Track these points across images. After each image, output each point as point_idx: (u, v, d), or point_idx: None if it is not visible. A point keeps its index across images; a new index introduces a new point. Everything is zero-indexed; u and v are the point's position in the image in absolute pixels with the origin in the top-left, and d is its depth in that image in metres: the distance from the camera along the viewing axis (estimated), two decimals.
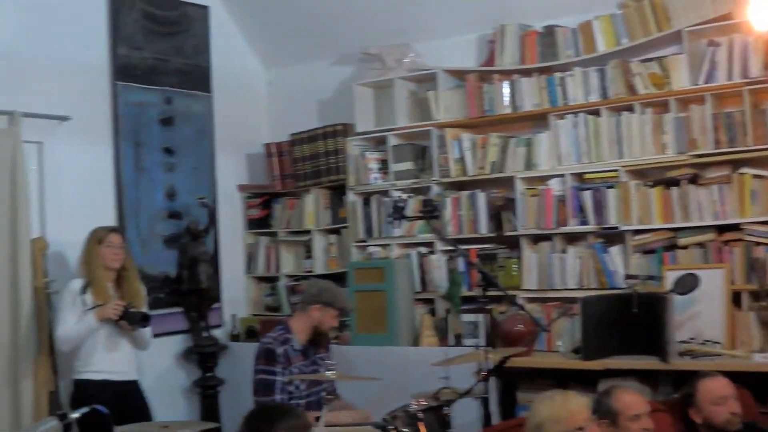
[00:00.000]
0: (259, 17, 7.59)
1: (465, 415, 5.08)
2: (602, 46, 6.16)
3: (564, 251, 6.17)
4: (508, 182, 6.40)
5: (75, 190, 6.34)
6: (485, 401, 4.98)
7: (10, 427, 5.75)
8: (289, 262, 7.54)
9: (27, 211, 5.94)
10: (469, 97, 6.60)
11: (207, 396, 7.05)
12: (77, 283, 5.74)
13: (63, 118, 6.26)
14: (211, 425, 5.54)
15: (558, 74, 6.29)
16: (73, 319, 5.66)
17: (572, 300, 6.00)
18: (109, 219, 6.49)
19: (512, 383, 6.00)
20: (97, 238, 5.79)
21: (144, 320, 5.72)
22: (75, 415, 3.54)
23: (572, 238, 6.21)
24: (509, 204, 6.40)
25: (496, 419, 5.36)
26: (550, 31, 6.36)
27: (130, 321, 5.67)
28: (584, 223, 6.10)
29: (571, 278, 6.11)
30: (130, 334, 5.79)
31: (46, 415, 5.75)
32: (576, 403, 3.70)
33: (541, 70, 6.37)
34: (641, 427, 4.08)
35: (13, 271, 5.86)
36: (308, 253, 7.37)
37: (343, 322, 6.66)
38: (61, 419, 3.50)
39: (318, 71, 7.57)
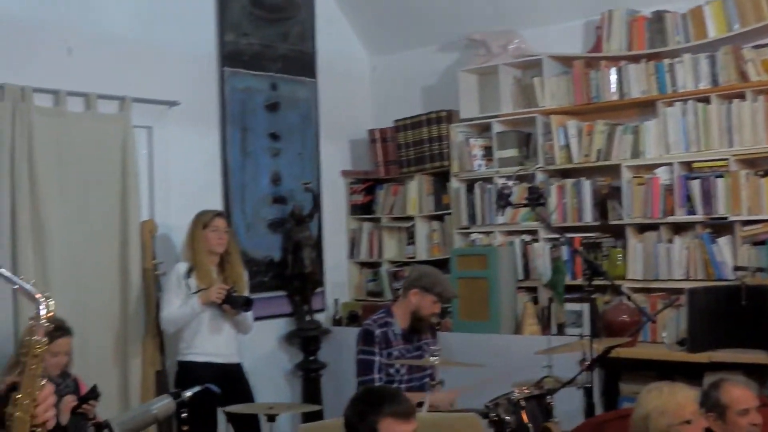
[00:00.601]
0: (364, 3, 7.62)
1: (567, 404, 5.03)
2: (713, 32, 6.03)
3: (670, 241, 6.07)
4: (614, 170, 6.31)
5: (183, 174, 6.46)
6: (588, 391, 4.93)
7: (119, 405, 5.89)
8: (391, 248, 7.56)
9: (137, 194, 6.08)
10: (575, 84, 6.52)
11: (309, 379, 7.12)
12: (182, 267, 5.85)
13: (172, 103, 6.38)
14: (313, 408, 5.62)
15: (667, 61, 6.17)
16: (178, 302, 5.78)
17: (678, 291, 5.90)
18: (216, 203, 6.59)
19: (615, 374, 5.93)
20: (202, 222, 5.89)
21: (246, 304, 5.80)
22: (188, 393, 3.62)
23: (679, 228, 6.10)
24: (615, 192, 6.31)
25: (599, 410, 5.31)
26: (659, 17, 6.25)
27: (233, 305, 5.76)
28: (692, 212, 5.99)
29: (678, 269, 6.01)
30: (232, 318, 5.88)
31: (153, 394, 5.88)
32: (684, 396, 3.64)
33: (650, 57, 6.26)
34: (749, 421, 3.99)
35: (123, 253, 6.01)
36: (411, 240, 7.39)
37: (446, 309, 6.67)
38: (175, 397, 3.58)
39: (422, 57, 7.56)
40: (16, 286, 2.35)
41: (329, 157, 7.57)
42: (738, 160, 5.85)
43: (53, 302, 2.36)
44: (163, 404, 3.57)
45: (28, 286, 2.33)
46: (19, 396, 2.34)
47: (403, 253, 7.44)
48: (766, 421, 4.15)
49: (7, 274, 2.37)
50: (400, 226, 7.49)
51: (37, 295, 2.33)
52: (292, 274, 7.04)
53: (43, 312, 2.34)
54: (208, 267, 5.87)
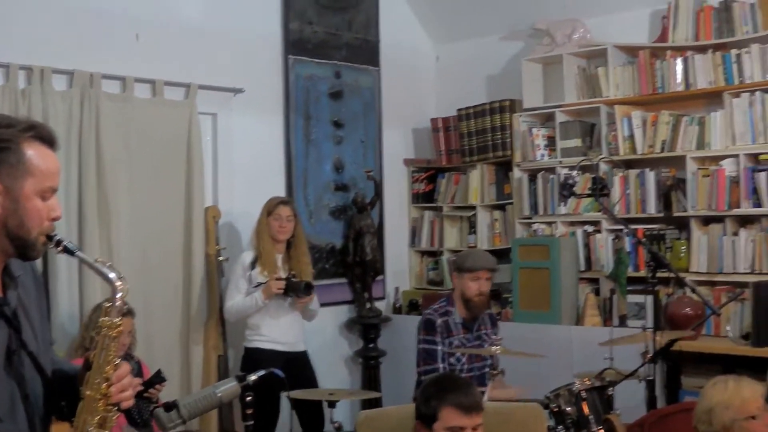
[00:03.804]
0: None
1: (629, 397, 5.02)
2: None
3: (735, 234, 6.00)
4: (679, 162, 6.26)
5: (246, 161, 6.52)
6: (650, 384, 4.91)
7: (181, 388, 5.96)
8: (452, 237, 7.56)
9: (201, 180, 6.15)
10: (640, 74, 6.47)
11: (368, 366, 7.15)
12: (248, 257, 5.92)
13: (237, 91, 6.43)
14: (373, 395, 5.65)
15: (734, 51, 6.09)
16: (241, 294, 5.84)
17: (743, 285, 5.84)
18: (279, 190, 6.64)
19: (677, 367, 5.89)
20: (267, 209, 5.94)
21: (307, 289, 5.84)
22: (253, 377, 3.65)
23: (745, 221, 6.03)
24: (679, 184, 6.26)
25: (661, 403, 5.28)
26: (726, 6, 6.17)
27: (294, 292, 5.80)
28: (758, 205, 5.91)
29: (743, 262, 5.94)
30: (300, 309, 5.93)
31: (215, 378, 5.95)
32: (750, 391, 3.59)
33: (717, 47, 6.19)
34: None
35: (187, 239, 6.08)
36: (472, 229, 7.38)
37: (506, 299, 6.66)
38: (240, 381, 3.62)
39: (486, 46, 7.54)
40: (93, 269, 2.38)
41: (391, 146, 7.59)
42: None
43: (127, 286, 2.40)
44: (228, 387, 3.60)
45: (105, 269, 2.37)
46: (92, 375, 2.38)
47: (465, 242, 7.44)
48: None
49: (85, 257, 2.41)
50: (461, 215, 7.49)
51: (115, 281, 2.37)
52: (353, 261, 7.09)
53: (119, 294, 2.37)
54: (273, 255, 5.92)
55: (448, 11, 7.65)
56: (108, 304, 2.40)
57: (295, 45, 6.87)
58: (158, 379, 4.95)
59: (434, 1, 7.66)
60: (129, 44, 5.94)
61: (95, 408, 2.37)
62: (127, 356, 5.09)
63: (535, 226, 6.90)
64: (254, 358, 5.81)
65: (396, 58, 7.57)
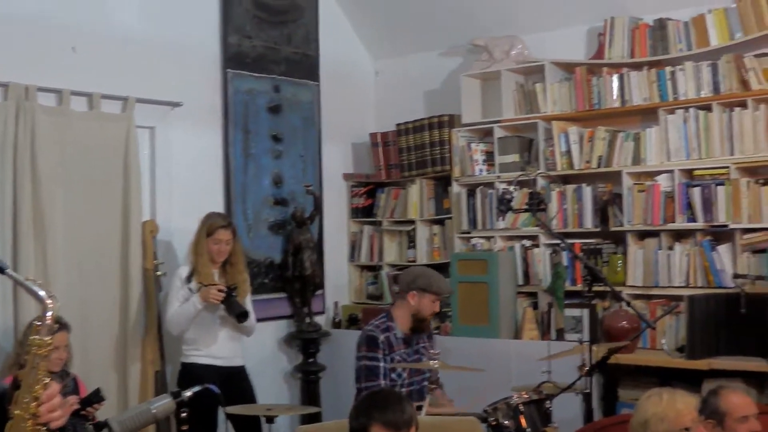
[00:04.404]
0: (368, 7, 7.63)
1: (566, 410, 5.05)
2: (715, 40, 6.06)
3: (671, 248, 6.09)
4: (615, 177, 6.34)
5: (184, 175, 6.46)
6: (587, 397, 4.95)
7: (118, 404, 5.90)
8: (392, 251, 7.58)
9: (138, 195, 6.09)
10: (577, 90, 6.54)
11: (308, 381, 7.13)
12: (184, 271, 5.88)
13: (175, 104, 6.39)
14: (312, 410, 5.63)
15: (669, 68, 6.19)
16: (178, 304, 5.79)
17: (677, 298, 5.91)
18: (217, 204, 6.60)
19: (614, 380, 5.95)
20: (207, 230, 5.88)
21: (241, 316, 5.79)
22: (188, 393, 3.62)
23: (680, 235, 6.12)
24: (616, 199, 6.33)
25: (597, 415, 5.33)
26: (661, 25, 6.27)
27: (229, 309, 5.75)
28: (692, 220, 6.01)
29: (678, 276, 6.03)
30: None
31: (152, 393, 5.89)
32: (684, 403, 3.64)
33: (652, 64, 6.28)
34: (748, 429, 4.00)
35: (124, 253, 6.01)
36: (411, 243, 7.40)
37: (445, 313, 6.68)
38: (175, 397, 3.58)
39: (425, 62, 7.58)
40: (23, 287, 2.35)
41: (331, 160, 7.59)
42: (739, 168, 5.87)
43: (58, 304, 2.36)
44: (163, 404, 3.57)
45: (34, 287, 2.34)
46: (20, 394, 2.34)
47: (404, 257, 7.46)
48: (764, 428, 4.16)
49: (15, 275, 2.38)
50: (400, 229, 7.51)
51: (45, 299, 2.34)
52: (292, 276, 7.06)
53: (49, 313, 2.34)
54: (210, 270, 5.88)
55: (387, 27, 7.68)
56: (38, 323, 2.37)
57: (233, 59, 6.84)
58: (97, 398, 4.90)
59: (374, 17, 7.69)
60: (65, 56, 5.87)
61: (24, 428, 2.33)
62: (63, 373, 5.02)
63: (473, 241, 6.94)
64: (191, 373, 5.76)
65: (336, 72, 7.57)
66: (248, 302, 6.00)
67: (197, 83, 6.64)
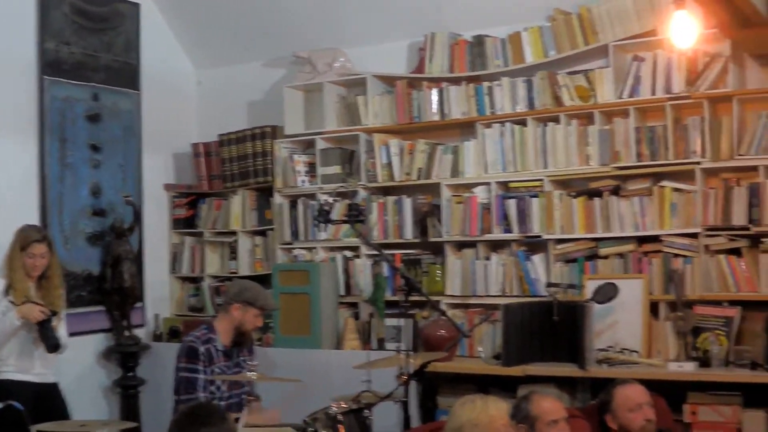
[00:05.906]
0: (190, 16, 7.56)
1: (386, 418, 5.09)
2: (530, 57, 6.25)
3: (487, 258, 6.24)
4: (435, 189, 6.46)
5: None
6: (405, 405, 5.01)
7: None
8: (214, 263, 7.51)
9: None
10: (397, 103, 6.64)
11: (127, 396, 6.98)
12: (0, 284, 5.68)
13: None
14: (130, 425, 5.51)
15: (486, 83, 6.36)
16: None
17: (494, 307, 6.05)
18: (32, 214, 6.41)
19: (434, 388, 6.03)
20: (20, 243, 5.70)
21: (52, 348, 5.62)
22: None
23: (496, 246, 6.29)
24: (435, 210, 6.45)
25: (415, 423, 5.40)
26: (479, 41, 6.43)
27: (43, 335, 5.58)
28: (508, 231, 6.17)
29: (494, 285, 6.19)
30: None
31: None
32: (496, 408, 3.73)
33: (470, 79, 6.44)
34: None
35: None
36: (233, 254, 7.35)
37: (267, 324, 6.66)
38: None
39: (248, 72, 7.56)
40: None
41: (152, 170, 7.46)
42: (552, 181, 6.07)
43: None
44: None
45: None
46: None
47: (226, 268, 7.40)
48: (574, 431, 4.32)
49: None
50: (222, 240, 7.45)
51: None
52: (111, 288, 6.91)
53: None
54: (26, 284, 5.69)
55: (210, 36, 7.62)
56: None
57: (50, 66, 6.66)
58: None
59: (196, 26, 7.61)
60: None
61: None
62: None
63: (295, 252, 6.95)
64: (3, 389, 5.55)
65: (157, 81, 7.46)
66: (63, 320, 5.83)
67: (12, 90, 6.43)
